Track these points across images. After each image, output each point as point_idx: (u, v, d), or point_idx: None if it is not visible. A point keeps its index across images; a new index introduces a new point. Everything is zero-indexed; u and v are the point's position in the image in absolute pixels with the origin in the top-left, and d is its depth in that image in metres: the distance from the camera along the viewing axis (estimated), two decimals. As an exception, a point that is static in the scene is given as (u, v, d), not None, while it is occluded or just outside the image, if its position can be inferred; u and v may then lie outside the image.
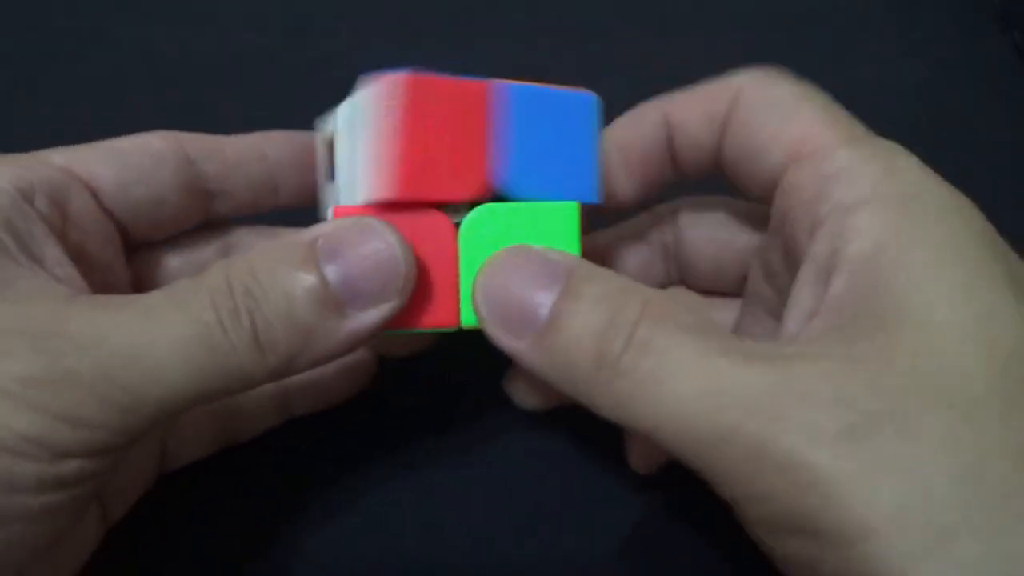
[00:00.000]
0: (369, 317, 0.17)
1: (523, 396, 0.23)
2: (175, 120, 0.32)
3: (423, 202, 0.18)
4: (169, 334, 0.16)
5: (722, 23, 0.35)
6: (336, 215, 0.19)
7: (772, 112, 0.19)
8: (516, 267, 0.18)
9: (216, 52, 0.33)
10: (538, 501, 0.25)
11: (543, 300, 0.17)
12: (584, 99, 0.20)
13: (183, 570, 0.24)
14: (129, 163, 0.21)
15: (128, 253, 0.22)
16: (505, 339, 0.17)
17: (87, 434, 0.16)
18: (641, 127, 0.22)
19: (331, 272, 0.17)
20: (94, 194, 0.21)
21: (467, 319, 0.19)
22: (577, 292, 0.17)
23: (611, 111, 0.33)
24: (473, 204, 0.19)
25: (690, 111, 0.21)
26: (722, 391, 0.15)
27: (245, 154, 0.23)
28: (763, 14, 0.35)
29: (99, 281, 0.21)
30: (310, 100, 0.33)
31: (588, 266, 0.18)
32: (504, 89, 0.19)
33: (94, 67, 0.32)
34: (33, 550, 0.17)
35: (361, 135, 0.19)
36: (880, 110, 0.34)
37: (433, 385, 0.26)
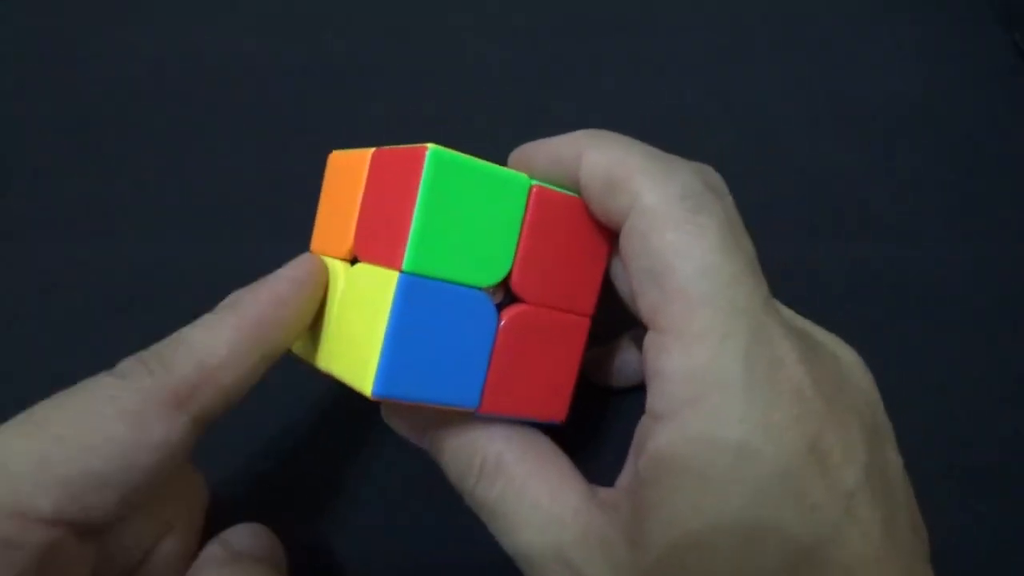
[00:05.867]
0: None
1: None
2: (174, 120, 0.32)
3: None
4: None
5: (720, 23, 0.35)
6: None
7: (644, 263, 0.18)
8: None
9: (216, 52, 0.33)
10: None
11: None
12: (479, 298, 0.18)
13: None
14: (121, 479, 0.17)
15: None
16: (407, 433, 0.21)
17: None
18: None
19: None
20: (90, 536, 0.17)
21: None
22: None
23: (611, 110, 0.33)
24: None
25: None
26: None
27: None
28: (762, 14, 0.35)
29: None
30: (311, 100, 0.33)
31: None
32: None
33: (93, 68, 0.32)
34: None
35: None
36: (880, 110, 0.34)
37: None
